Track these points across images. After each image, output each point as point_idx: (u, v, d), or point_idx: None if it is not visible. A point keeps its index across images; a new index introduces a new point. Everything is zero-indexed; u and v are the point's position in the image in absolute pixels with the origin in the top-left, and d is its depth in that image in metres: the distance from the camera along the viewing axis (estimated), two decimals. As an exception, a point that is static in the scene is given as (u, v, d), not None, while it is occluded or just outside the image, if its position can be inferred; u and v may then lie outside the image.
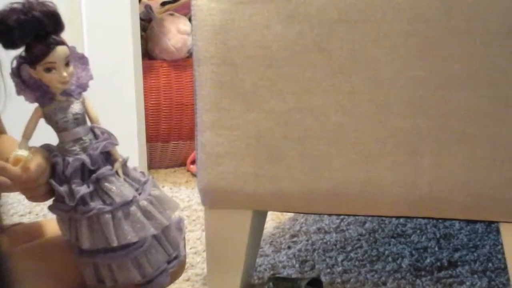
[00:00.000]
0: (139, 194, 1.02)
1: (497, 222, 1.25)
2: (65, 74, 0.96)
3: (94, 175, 0.99)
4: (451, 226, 1.75)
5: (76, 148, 0.99)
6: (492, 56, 1.17)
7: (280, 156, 1.26)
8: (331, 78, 1.22)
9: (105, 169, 0.99)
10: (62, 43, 0.96)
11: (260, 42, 1.24)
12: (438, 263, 1.50)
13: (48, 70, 0.95)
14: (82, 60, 1.01)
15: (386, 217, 1.45)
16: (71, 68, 0.97)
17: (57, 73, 0.96)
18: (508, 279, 1.32)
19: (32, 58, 0.95)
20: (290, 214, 1.84)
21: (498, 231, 1.57)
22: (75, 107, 0.99)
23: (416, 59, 1.19)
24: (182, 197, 2.10)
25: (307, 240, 1.66)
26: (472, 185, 1.20)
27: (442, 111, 1.19)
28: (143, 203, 1.01)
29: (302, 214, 1.82)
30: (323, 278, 1.41)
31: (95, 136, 1.01)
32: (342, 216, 1.82)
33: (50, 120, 1.00)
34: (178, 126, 2.46)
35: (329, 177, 1.24)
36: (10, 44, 0.95)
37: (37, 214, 1.95)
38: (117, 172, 1.01)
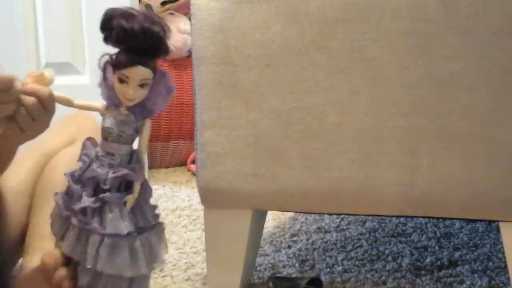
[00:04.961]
0: (141, 233, 1.01)
1: (497, 221, 1.25)
2: (131, 92, 0.96)
3: (101, 195, 0.98)
4: (451, 225, 1.75)
5: (106, 160, 0.99)
6: (492, 56, 1.17)
7: (279, 155, 1.26)
8: (331, 77, 1.22)
9: (113, 196, 0.98)
10: (147, 65, 0.96)
11: (259, 41, 1.24)
12: (438, 262, 1.50)
13: (121, 81, 0.96)
14: (168, 91, 1.00)
15: (386, 216, 1.45)
16: (142, 91, 0.97)
17: (126, 87, 0.96)
18: (508, 278, 1.32)
19: (114, 63, 0.97)
20: (290, 214, 1.84)
21: (498, 230, 1.57)
22: (128, 127, 0.99)
23: (415, 58, 1.19)
24: (183, 196, 2.11)
25: (307, 240, 1.66)
26: (472, 184, 1.20)
27: (442, 111, 1.19)
28: (137, 244, 0.99)
29: (302, 214, 1.82)
30: (323, 278, 1.41)
31: (130, 161, 1.00)
32: (342, 216, 1.82)
33: (102, 122, 1.01)
34: (178, 125, 2.46)
35: (329, 177, 1.24)
36: (107, 41, 0.97)
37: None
38: (125, 204, 1.00)
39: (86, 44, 2.36)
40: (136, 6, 2.29)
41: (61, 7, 2.36)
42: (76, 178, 1.00)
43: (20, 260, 1.27)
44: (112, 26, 0.95)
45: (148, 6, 2.46)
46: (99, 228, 0.98)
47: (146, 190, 1.01)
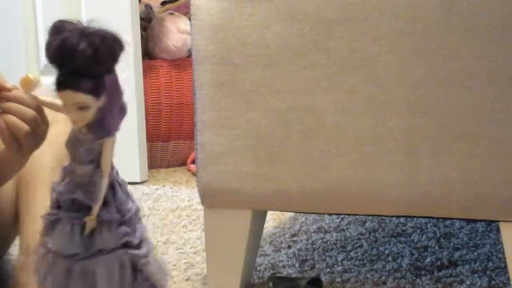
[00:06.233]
0: (91, 257, 0.92)
1: (497, 221, 1.25)
2: (69, 116, 0.87)
3: (54, 211, 0.92)
4: (451, 225, 1.75)
5: (70, 178, 0.92)
6: (491, 55, 1.17)
7: (279, 155, 1.26)
8: (330, 77, 1.22)
9: (66, 214, 0.91)
10: (78, 88, 0.85)
11: (259, 41, 1.24)
12: (438, 262, 1.50)
13: (63, 103, 0.87)
14: (121, 111, 0.90)
15: (386, 216, 1.45)
16: (85, 114, 0.86)
17: (66, 110, 0.87)
18: (508, 278, 1.32)
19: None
20: (290, 214, 1.84)
21: (498, 230, 1.57)
22: (81, 147, 0.90)
23: (415, 58, 1.19)
24: (183, 196, 2.10)
25: (307, 240, 1.66)
26: (472, 184, 1.20)
27: (442, 110, 1.19)
28: (75, 268, 0.91)
29: (302, 214, 1.82)
30: (323, 278, 1.41)
31: (91, 182, 0.91)
32: (342, 215, 1.82)
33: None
34: (178, 125, 2.46)
35: (328, 177, 1.24)
36: None
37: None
38: (83, 226, 0.91)
39: (86, 44, 2.36)
40: (136, 6, 2.29)
41: (61, 7, 2.36)
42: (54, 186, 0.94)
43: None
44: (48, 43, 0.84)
45: (148, 6, 2.46)
46: (47, 242, 0.92)
47: (110, 212, 0.92)
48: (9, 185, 1.24)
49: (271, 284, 1.33)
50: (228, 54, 1.25)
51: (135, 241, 0.95)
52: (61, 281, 0.92)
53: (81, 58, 0.83)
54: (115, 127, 0.90)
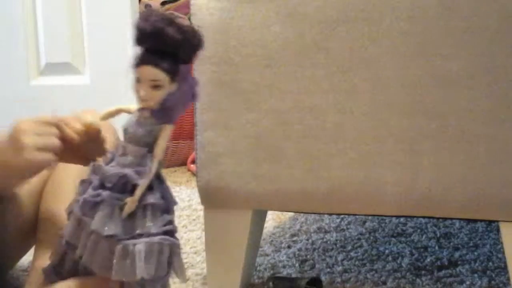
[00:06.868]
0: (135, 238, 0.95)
1: (497, 221, 1.25)
2: (141, 92, 0.93)
3: (99, 191, 0.96)
4: (452, 225, 1.75)
5: (120, 160, 0.96)
6: (491, 55, 1.17)
7: (279, 155, 1.26)
8: (330, 77, 1.22)
9: (109, 195, 0.95)
10: (158, 66, 0.92)
11: (259, 41, 1.24)
12: (438, 262, 1.50)
13: (137, 80, 0.93)
14: (189, 98, 0.96)
15: (386, 216, 1.45)
16: (156, 93, 0.93)
17: (139, 87, 0.93)
18: (508, 278, 1.32)
19: (132, 62, 0.93)
20: (290, 214, 1.84)
21: (498, 230, 1.57)
22: (141, 128, 0.95)
23: (415, 58, 1.19)
24: (183, 196, 2.11)
25: (307, 240, 1.66)
26: (472, 184, 1.20)
27: (442, 110, 1.19)
28: (118, 248, 0.94)
29: (302, 214, 1.82)
30: (323, 278, 1.41)
31: (142, 163, 0.95)
32: (342, 216, 1.82)
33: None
34: (178, 125, 2.46)
35: (329, 177, 1.24)
36: None
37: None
38: (122, 207, 0.95)
39: (86, 44, 2.36)
40: (136, 6, 2.29)
41: (61, 7, 2.37)
42: (96, 169, 0.98)
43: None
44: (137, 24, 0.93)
45: (148, 6, 2.46)
46: (89, 223, 0.96)
47: (153, 197, 0.96)
48: (25, 201, 1.25)
49: (271, 284, 1.33)
50: (228, 54, 1.25)
51: (175, 230, 1.00)
52: (106, 259, 0.95)
53: (169, 39, 0.91)
54: (177, 117, 0.96)
